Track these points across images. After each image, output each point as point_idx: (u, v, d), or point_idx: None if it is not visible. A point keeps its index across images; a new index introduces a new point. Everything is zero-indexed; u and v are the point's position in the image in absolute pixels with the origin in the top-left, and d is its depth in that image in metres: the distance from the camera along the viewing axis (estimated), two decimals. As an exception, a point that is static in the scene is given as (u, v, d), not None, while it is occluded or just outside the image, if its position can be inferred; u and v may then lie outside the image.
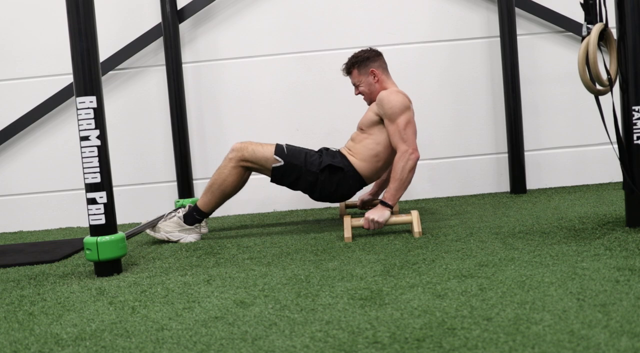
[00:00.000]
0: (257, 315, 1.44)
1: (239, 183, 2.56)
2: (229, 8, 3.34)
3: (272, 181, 2.59)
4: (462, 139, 3.36)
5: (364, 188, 3.10)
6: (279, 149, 2.54)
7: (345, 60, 2.70)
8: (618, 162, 2.13)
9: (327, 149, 2.66)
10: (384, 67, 2.66)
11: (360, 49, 2.70)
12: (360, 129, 2.62)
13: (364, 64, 2.63)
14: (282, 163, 2.52)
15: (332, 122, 3.33)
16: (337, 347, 1.19)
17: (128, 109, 3.36)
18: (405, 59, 3.29)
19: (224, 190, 2.55)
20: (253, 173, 2.62)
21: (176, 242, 2.54)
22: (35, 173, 3.38)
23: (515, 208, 2.78)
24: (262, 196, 3.35)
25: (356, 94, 2.70)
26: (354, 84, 2.69)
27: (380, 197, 2.52)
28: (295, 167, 2.53)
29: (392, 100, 2.46)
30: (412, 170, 2.41)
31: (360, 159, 2.56)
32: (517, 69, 3.21)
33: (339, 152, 2.62)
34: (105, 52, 3.14)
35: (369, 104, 2.68)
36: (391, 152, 2.54)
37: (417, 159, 2.42)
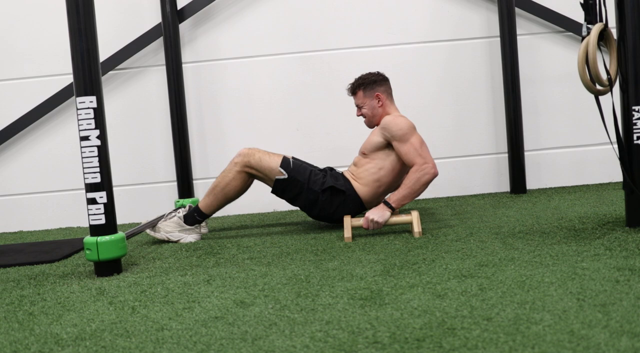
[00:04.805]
0: (257, 315, 1.44)
1: (242, 188, 2.57)
2: (229, 8, 3.34)
3: (272, 192, 2.59)
4: (462, 139, 3.36)
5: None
6: (285, 162, 2.54)
7: (352, 80, 2.67)
8: (618, 162, 2.13)
9: (331, 169, 2.66)
10: (389, 92, 2.65)
11: (367, 72, 2.69)
12: (363, 153, 2.61)
13: (370, 87, 2.62)
14: (286, 176, 2.52)
15: (332, 122, 3.34)
16: (337, 347, 1.19)
17: (128, 109, 3.36)
18: (405, 59, 3.29)
19: (226, 194, 2.55)
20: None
21: (176, 242, 2.55)
22: (35, 173, 3.38)
23: (515, 208, 2.78)
24: (263, 196, 3.34)
25: (358, 115, 2.69)
26: (357, 105, 2.67)
27: (385, 197, 2.53)
28: (298, 183, 2.53)
29: (400, 123, 2.47)
30: (426, 184, 2.41)
31: (362, 183, 2.56)
32: (517, 69, 3.20)
33: (342, 175, 2.61)
34: (105, 52, 3.14)
35: (369, 127, 2.67)
36: (394, 177, 2.55)
37: (435, 175, 2.41)
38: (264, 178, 2.57)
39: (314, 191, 2.54)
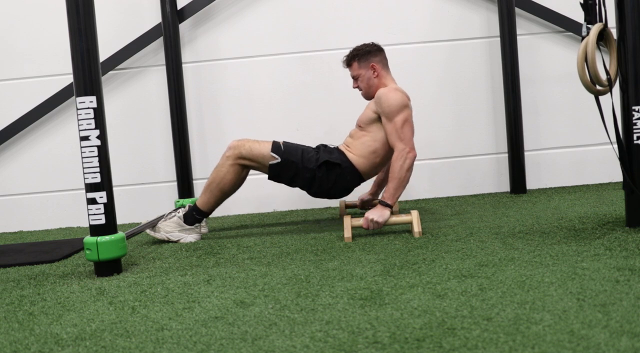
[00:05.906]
0: (257, 315, 1.44)
1: (237, 181, 2.56)
2: (229, 8, 3.34)
3: (269, 178, 2.58)
4: (462, 139, 3.36)
5: (364, 188, 3.11)
6: (275, 146, 2.54)
7: (347, 53, 2.69)
8: (618, 162, 2.13)
9: (324, 146, 2.66)
10: (384, 63, 2.65)
11: (362, 43, 2.69)
12: (359, 126, 2.62)
13: (365, 58, 2.61)
14: (279, 160, 2.52)
15: (332, 121, 3.33)
16: (337, 347, 1.19)
17: (128, 109, 3.36)
18: (405, 59, 3.29)
19: (222, 189, 2.55)
20: (252, 172, 2.62)
21: (176, 242, 2.55)
22: (35, 173, 3.38)
23: (515, 208, 2.78)
24: (262, 196, 3.35)
25: (354, 87, 2.69)
26: (353, 77, 2.68)
27: (380, 196, 2.53)
28: (292, 164, 2.52)
29: (390, 99, 2.46)
30: (410, 169, 2.41)
31: (358, 155, 2.56)
32: (517, 69, 3.20)
33: (336, 149, 2.61)
34: (105, 52, 3.14)
35: (366, 98, 2.67)
36: (389, 148, 2.54)
37: (414, 157, 2.42)
38: (258, 166, 2.55)
39: (309, 169, 2.53)
